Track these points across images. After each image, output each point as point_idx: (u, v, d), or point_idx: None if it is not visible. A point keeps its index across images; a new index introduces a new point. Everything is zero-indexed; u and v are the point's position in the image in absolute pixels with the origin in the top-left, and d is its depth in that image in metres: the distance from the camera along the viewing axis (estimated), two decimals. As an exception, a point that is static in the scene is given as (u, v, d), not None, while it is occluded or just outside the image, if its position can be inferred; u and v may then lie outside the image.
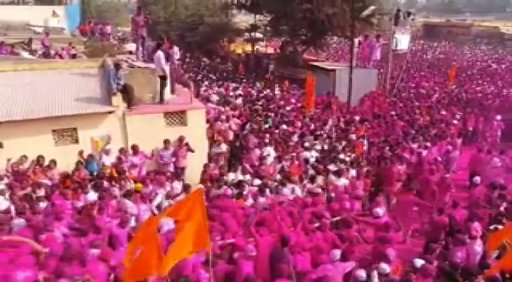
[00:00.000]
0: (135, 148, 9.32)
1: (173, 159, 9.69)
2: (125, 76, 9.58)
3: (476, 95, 19.41)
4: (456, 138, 12.75)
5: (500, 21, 69.66)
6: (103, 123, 9.35)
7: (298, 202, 7.69)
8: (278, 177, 9.40)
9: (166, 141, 9.58)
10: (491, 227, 6.81)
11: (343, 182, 8.96)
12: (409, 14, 18.61)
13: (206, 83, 19.75)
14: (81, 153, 9.10)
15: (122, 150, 9.30)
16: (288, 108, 15.35)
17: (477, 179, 9.05)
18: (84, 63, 11.49)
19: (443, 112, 15.79)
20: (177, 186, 8.20)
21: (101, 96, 9.75)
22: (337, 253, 5.79)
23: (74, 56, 17.06)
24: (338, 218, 7.29)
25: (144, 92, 10.12)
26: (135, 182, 8.36)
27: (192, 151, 9.77)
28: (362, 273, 5.55)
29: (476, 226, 6.72)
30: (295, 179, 9.04)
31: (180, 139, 9.63)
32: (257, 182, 8.82)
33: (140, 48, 11.22)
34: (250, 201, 7.95)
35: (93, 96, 9.72)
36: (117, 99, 9.38)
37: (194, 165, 9.70)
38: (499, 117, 14.13)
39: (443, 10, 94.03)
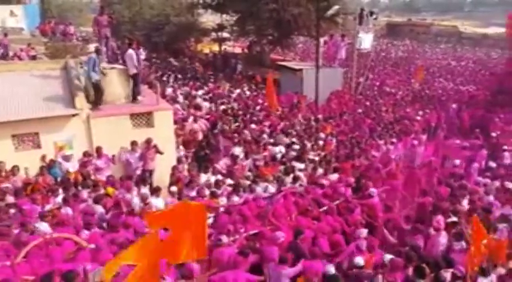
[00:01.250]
0: (99, 151, 9.08)
1: (141, 162, 9.51)
2: (87, 77, 9.33)
3: (437, 91, 20.17)
4: (420, 134, 13.19)
5: (458, 20, 72.61)
6: (66, 127, 9.05)
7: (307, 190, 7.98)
8: (249, 175, 9.47)
9: (133, 143, 9.38)
10: (449, 221, 7.03)
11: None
12: (372, 13, 19.08)
13: (173, 83, 19.50)
14: (43, 158, 8.79)
15: (86, 154, 9.04)
16: (257, 107, 15.39)
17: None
18: (45, 65, 11.10)
19: (407, 109, 16.31)
20: (145, 191, 8.07)
21: (64, 99, 9.44)
22: (363, 231, 6.28)
23: (34, 58, 16.48)
24: (337, 202, 7.58)
25: (109, 93, 9.87)
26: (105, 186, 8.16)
27: (161, 153, 9.63)
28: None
29: (440, 219, 6.96)
30: (269, 177, 9.09)
31: (148, 141, 9.46)
32: (229, 181, 8.85)
33: (104, 49, 10.94)
34: (224, 200, 7.94)
35: (56, 98, 9.40)
36: (81, 101, 9.12)
37: (163, 167, 9.56)
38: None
39: (404, 10, 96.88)
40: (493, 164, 10.56)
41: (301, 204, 7.39)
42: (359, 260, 5.69)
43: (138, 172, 9.47)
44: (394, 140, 12.29)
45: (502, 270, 5.63)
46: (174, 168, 9.33)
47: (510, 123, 14.20)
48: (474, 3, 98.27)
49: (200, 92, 17.32)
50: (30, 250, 5.20)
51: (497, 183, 9.09)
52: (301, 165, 9.96)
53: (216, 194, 7.90)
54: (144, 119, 9.71)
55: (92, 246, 5.54)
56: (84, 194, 7.50)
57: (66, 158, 8.86)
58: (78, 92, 9.53)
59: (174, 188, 8.01)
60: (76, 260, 5.24)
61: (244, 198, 7.67)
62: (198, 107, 14.36)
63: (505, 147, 11.66)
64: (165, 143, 9.72)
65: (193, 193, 7.96)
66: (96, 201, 7.19)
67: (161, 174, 9.52)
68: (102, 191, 7.73)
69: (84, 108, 9.15)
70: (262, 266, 5.73)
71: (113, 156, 9.30)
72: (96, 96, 9.47)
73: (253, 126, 12.78)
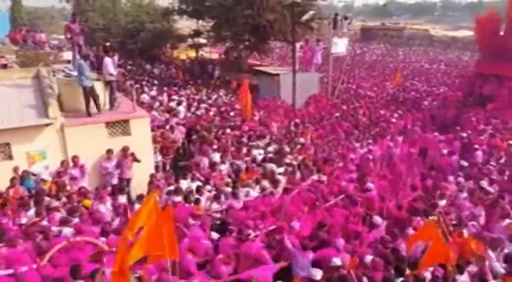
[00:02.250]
0: (75, 160, 8.89)
1: (117, 170, 9.36)
2: (61, 86, 9.15)
3: (411, 93, 20.63)
4: (396, 136, 13.44)
5: (429, 24, 74.77)
6: (39, 137, 8.81)
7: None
8: (228, 181, 9.45)
9: (109, 152, 9.23)
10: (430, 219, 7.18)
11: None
12: (346, 18, 19.43)
13: (149, 90, 19.31)
14: (16, 169, 8.53)
15: (64, 163, 8.83)
16: (231, 113, 15.39)
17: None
18: (16, 74, 10.86)
19: (383, 111, 16.61)
20: (123, 200, 7.93)
21: (36, 108, 9.22)
22: (378, 219, 6.95)
23: (4, 66, 16.06)
24: (341, 196, 8.00)
25: (83, 102, 9.68)
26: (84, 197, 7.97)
27: (138, 161, 9.50)
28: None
29: (419, 220, 7.10)
30: (249, 182, 9.10)
31: (124, 149, 9.32)
32: (208, 188, 8.83)
33: (77, 57, 10.75)
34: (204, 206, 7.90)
35: (28, 108, 9.17)
36: (54, 111, 8.90)
37: (140, 175, 9.42)
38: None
39: (378, 14, 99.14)
40: (465, 163, 10.84)
41: (309, 199, 7.83)
42: (336, 260, 5.73)
43: (115, 181, 9.32)
44: (370, 142, 12.48)
45: (474, 268, 5.76)
46: (152, 176, 9.20)
47: (481, 122, 14.65)
48: (443, 7, 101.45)
49: (177, 98, 17.21)
50: (54, 254, 5.35)
51: (470, 182, 9.35)
52: (281, 169, 10.00)
53: (200, 201, 7.88)
54: (121, 127, 9.56)
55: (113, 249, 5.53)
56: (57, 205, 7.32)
57: (41, 168, 8.63)
58: (51, 100, 9.31)
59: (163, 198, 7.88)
60: (99, 263, 5.36)
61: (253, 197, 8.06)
62: (175, 114, 14.27)
63: (476, 146, 12.01)
64: (142, 151, 9.60)
65: (179, 198, 7.89)
66: (70, 213, 7.01)
67: (139, 183, 9.37)
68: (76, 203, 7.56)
69: (58, 117, 8.94)
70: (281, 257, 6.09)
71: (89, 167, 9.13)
72: (90, 103, 9.36)
73: (228, 131, 12.78)
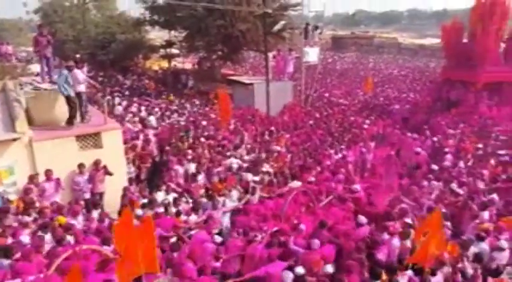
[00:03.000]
0: (48, 174, 8.60)
1: (89, 185, 9.13)
2: (29, 99, 8.90)
3: (382, 100, 21.13)
4: (369, 142, 13.70)
5: (397, 32, 77.07)
6: (7, 152, 8.47)
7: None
8: (203, 193, 9.39)
9: (80, 166, 8.99)
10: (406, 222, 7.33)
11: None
12: (316, 27, 19.77)
13: (121, 101, 19.03)
14: (-19, 187, 8.19)
15: (33, 178, 8.54)
16: (204, 123, 15.33)
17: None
18: (-20, 88, 10.42)
19: (355, 118, 16.92)
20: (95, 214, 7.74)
21: (3, 123, 8.88)
22: (363, 219, 7.29)
23: (-32, 80, 15.41)
24: (331, 197, 8.60)
25: (52, 115, 9.45)
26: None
27: (111, 174, 9.30)
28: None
29: (393, 224, 7.22)
30: (225, 191, 9.07)
31: (96, 163, 9.11)
32: (185, 199, 8.74)
33: (45, 69, 10.50)
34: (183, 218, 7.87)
35: (-7, 123, 8.84)
36: (22, 125, 8.62)
37: (113, 189, 9.21)
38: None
39: (347, 23, 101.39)
40: (435, 167, 11.14)
41: (304, 201, 8.41)
42: (299, 270, 5.78)
43: (88, 196, 9.08)
44: (343, 147, 12.70)
45: (448, 269, 5.90)
46: (125, 189, 9.02)
47: (450, 127, 15.13)
48: (410, 16, 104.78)
49: (150, 109, 17.02)
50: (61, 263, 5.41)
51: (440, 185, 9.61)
52: (256, 178, 10.01)
53: (181, 213, 7.86)
54: (92, 140, 9.34)
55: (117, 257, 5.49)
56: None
57: (7, 186, 8.31)
58: (19, 114, 9.01)
59: (139, 211, 7.72)
60: (107, 271, 5.42)
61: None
62: (148, 125, 14.09)
63: (446, 149, 12.38)
64: (115, 163, 9.40)
65: (161, 210, 7.82)
66: (43, 229, 6.78)
67: (112, 197, 9.16)
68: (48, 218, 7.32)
69: (26, 132, 8.66)
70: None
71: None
72: (75, 112, 9.26)
73: (203, 140, 12.75)
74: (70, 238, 6.58)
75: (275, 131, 14.73)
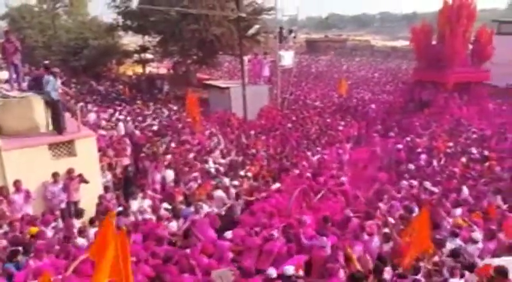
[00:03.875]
0: (17, 184, 8.33)
1: (64, 194, 8.89)
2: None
3: (357, 102, 21.47)
4: (345, 143, 13.90)
5: (369, 35, 78.62)
6: (-26, 163, 8.22)
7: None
8: (181, 199, 9.30)
9: (54, 175, 8.74)
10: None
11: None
12: (290, 31, 19.98)
13: (95, 107, 18.67)
14: None
15: (1, 190, 8.24)
16: (179, 127, 15.22)
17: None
18: None
19: (331, 120, 17.13)
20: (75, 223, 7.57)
21: (-31, 133, 8.59)
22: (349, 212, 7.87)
23: None
24: (323, 191, 9.09)
25: (23, 123, 9.17)
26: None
27: (87, 182, 9.08)
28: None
29: (371, 223, 7.32)
30: (202, 196, 9.02)
31: (69, 171, 8.88)
32: (165, 205, 8.66)
33: (14, 77, 10.20)
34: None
35: (-41, 132, 8.52)
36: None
37: (88, 197, 9.01)
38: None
39: (321, 27, 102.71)
40: (411, 166, 11.40)
41: (303, 197, 8.89)
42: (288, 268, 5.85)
43: (63, 205, 8.85)
44: (319, 149, 12.86)
45: (427, 266, 6.00)
46: (100, 197, 8.84)
47: (423, 127, 15.52)
48: (382, 19, 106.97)
49: (125, 115, 16.76)
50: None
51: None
52: (235, 182, 10.00)
53: (162, 218, 7.85)
54: (65, 148, 9.11)
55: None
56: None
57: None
58: (-14, 123, 8.73)
59: (118, 220, 7.56)
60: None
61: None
62: (123, 131, 13.89)
63: (420, 149, 12.69)
64: (89, 171, 9.19)
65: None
66: (14, 243, 6.57)
67: (87, 205, 8.95)
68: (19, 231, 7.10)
69: (-6, 141, 8.38)
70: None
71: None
72: (60, 118, 9.09)
73: (173, 144, 12.70)
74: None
75: (252, 134, 14.76)
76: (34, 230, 7.19)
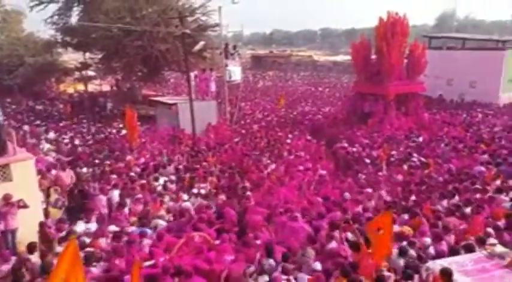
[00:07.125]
0: None
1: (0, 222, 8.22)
2: None
3: (302, 115, 22.07)
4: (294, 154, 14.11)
5: (312, 50, 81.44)
6: None
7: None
8: (134, 220, 8.93)
9: (-13, 203, 8.09)
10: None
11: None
12: (234, 47, 20.22)
13: (33, 128, 17.63)
14: None
15: None
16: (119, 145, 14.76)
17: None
18: None
19: (279, 133, 17.42)
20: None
21: None
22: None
23: None
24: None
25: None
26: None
27: (26, 207, 8.45)
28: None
29: (337, 233, 7.38)
30: (159, 212, 8.83)
31: (5, 198, 8.22)
32: (113, 228, 8.22)
33: None
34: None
35: None
36: None
37: (27, 224, 8.38)
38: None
39: (265, 43, 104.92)
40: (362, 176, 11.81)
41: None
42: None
43: (-2, 234, 8.18)
44: (269, 162, 13.00)
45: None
46: (41, 224, 8.26)
47: (366, 137, 16.22)
48: (323, 35, 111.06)
49: (65, 134, 16.00)
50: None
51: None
52: (186, 197, 9.81)
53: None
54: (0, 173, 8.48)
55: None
56: None
57: None
58: None
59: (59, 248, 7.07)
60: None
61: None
62: (64, 151, 13.22)
63: (366, 160, 13.19)
64: (28, 197, 8.57)
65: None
66: None
67: (26, 233, 8.33)
68: None
69: None
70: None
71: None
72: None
73: (109, 163, 12.32)
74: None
75: (202, 150, 14.60)
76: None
